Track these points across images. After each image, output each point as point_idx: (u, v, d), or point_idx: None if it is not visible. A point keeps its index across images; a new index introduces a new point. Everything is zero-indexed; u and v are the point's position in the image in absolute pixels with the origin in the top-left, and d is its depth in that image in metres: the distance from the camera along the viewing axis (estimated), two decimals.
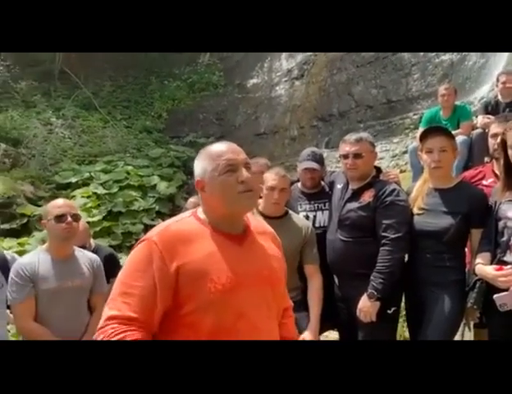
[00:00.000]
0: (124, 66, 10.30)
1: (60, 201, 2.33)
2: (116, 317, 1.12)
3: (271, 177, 2.37)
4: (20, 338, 2.31)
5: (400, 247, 2.17)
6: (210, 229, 1.24)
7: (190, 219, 1.27)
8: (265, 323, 1.23)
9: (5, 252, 2.59)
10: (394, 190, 2.23)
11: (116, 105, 10.06)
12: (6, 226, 6.14)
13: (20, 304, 2.12)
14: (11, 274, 2.16)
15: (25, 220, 6.42)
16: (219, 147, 1.29)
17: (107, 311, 1.16)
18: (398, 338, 2.81)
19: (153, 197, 7.18)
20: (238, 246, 1.25)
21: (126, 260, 1.21)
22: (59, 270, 2.19)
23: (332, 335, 3.29)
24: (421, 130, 4.35)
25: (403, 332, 3.19)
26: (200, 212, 1.29)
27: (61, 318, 2.13)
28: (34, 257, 2.23)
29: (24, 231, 6.30)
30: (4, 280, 2.31)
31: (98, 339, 1.12)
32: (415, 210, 2.19)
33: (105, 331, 1.12)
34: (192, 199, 3.09)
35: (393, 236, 2.15)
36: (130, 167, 7.70)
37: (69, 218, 2.18)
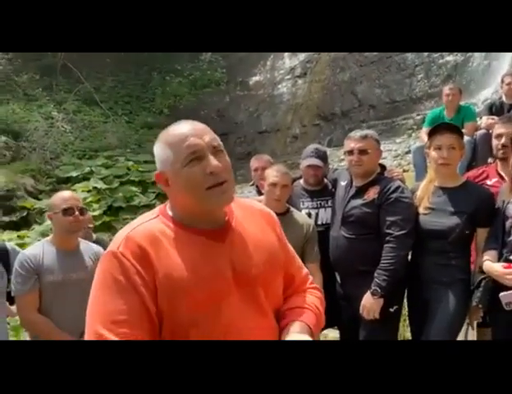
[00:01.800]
0: (126, 61, 10.27)
1: (67, 194, 2.29)
2: None
3: (272, 174, 2.35)
4: (23, 330, 2.29)
5: (404, 244, 2.15)
6: (183, 229, 1.02)
7: (158, 220, 1.03)
8: (258, 330, 1.03)
9: (6, 243, 2.57)
10: (398, 187, 2.22)
11: (117, 100, 10.06)
12: (6, 218, 6.13)
13: (24, 295, 2.10)
14: (16, 265, 2.14)
15: (25, 213, 6.42)
16: (179, 129, 1.03)
17: None
18: (399, 338, 2.81)
19: (154, 193, 7.18)
20: (218, 246, 1.03)
21: (95, 281, 0.99)
22: (64, 262, 2.16)
23: (332, 334, 3.28)
24: (424, 130, 4.35)
25: (404, 331, 3.18)
26: (169, 208, 1.06)
27: (65, 311, 2.10)
28: (38, 248, 2.20)
29: (24, 223, 6.29)
30: (4, 270, 2.30)
31: None
32: (421, 210, 2.17)
33: None
34: None
35: (397, 233, 2.14)
36: (130, 163, 7.70)
37: (76, 212, 2.16)
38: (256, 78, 9.54)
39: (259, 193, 3.16)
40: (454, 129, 2.15)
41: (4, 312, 2.37)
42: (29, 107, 8.75)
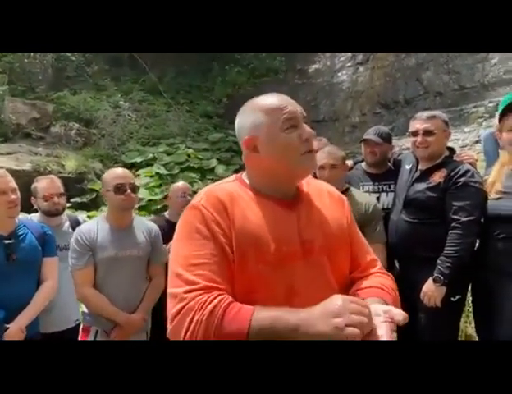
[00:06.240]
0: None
1: (118, 171, 2.22)
2: (192, 290, 0.93)
3: (320, 156, 2.26)
4: (81, 305, 2.32)
5: (471, 231, 2.04)
6: (257, 194, 1.07)
7: (235, 183, 1.11)
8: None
9: (78, 216, 2.77)
10: (468, 170, 2.10)
11: (179, 90, 10.37)
12: (77, 199, 6.58)
13: (80, 270, 2.10)
14: (72, 241, 2.14)
15: (94, 195, 6.86)
16: (273, 98, 1.07)
17: (176, 290, 0.94)
18: (460, 334, 2.66)
19: (212, 179, 7.36)
20: (288, 213, 1.07)
21: (177, 232, 1.04)
22: (117, 239, 2.14)
23: None
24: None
25: (465, 327, 3.01)
26: (245, 176, 1.13)
27: (118, 287, 2.11)
28: (93, 225, 2.18)
29: (93, 204, 6.73)
30: None
31: (187, 319, 0.90)
32: (492, 195, 2.04)
33: (187, 311, 0.91)
34: (179, 184, 3.00)
35: (465, 219, 2.03)
36: (190, 150, 7.95)
37: (128, 190, 2.11)
38: (315, 66, 9.39)
39: (315, 177, 3.11)
40: None
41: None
42: (99, 97, 9.27)
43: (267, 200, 1.06)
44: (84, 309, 2.24)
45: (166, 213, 2.94)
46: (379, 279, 1.12)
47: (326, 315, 0.85)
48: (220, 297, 0.92)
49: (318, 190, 1.17)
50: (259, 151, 1.06)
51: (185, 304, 0.92)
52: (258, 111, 1.06)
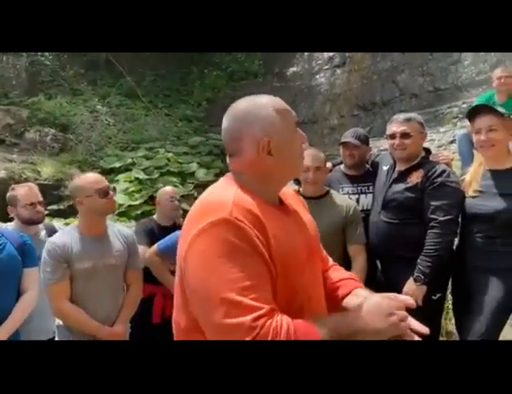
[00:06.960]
0: (165, 54, 10.46)
1: (95, 175, 2.15)
2: (259, 316, 0.84)
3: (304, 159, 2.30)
4: (57, 320, 2.24)
5: (449, 230, 2.08)
6: (263, 201, 0.98)
7: (240, 191, 0.98)
8: (322, 300, 1.08)
9: (54, 224, 2.70)
10: (444, 170, 2.15)
11: (157, 94, 10.27)
12: (54, 207, 6.43)
13: (54, 285, 1.98)
14: (44, 253, 2.02)
15: (71, 202, 6.67)
16: (275, 98, 1.04)
17: (239, 320, 0.83)
18: (441, 332, 2.72)
19: (192, 183, 7.31)
20: (287, 217, 1.04)
21: (205, 251, 0.90)
22: (94, 249, 2.05)
23: None
24: None
25: (445, 324, 3.07)
26: (242, 181, 1.02)
27: (98, 298, 2.04)
28: (66, 235, 2.08)
29: (70, 212, 6.58)
30: None
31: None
32: (470, 193, 2.09)
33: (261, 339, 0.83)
34: (168, 189, 3.01)
35: (442, 219, 2.07)
36: (170, 154, 7.87)
37: (110, 192, 2.08)
38: (293, 69, 9.46)
39: (298, 182, 3.12)
40: (493, 110, 2.06)
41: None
42: (75, 101, 9.09)
43: (272, 207, 1.01)
44: (59, 322, 2.15)
45: (154, 217, 2.98)
46: (344, 271, 1.23)
47: (379, 314, 0.90)
48: (285, 319, 0.86)
49: (287, 193, 1.16)
50: (273, 154, 0.99)
51: (257, 334, 0.83)
52: (272, 111, 1.00)
